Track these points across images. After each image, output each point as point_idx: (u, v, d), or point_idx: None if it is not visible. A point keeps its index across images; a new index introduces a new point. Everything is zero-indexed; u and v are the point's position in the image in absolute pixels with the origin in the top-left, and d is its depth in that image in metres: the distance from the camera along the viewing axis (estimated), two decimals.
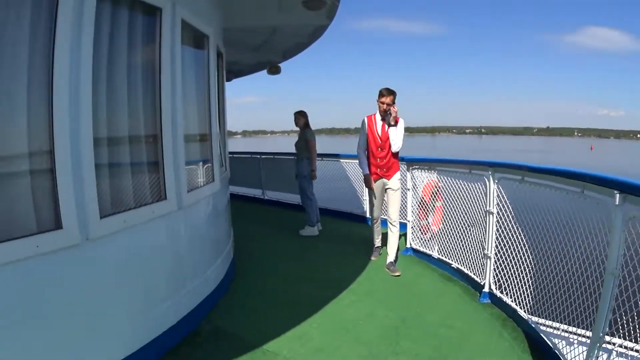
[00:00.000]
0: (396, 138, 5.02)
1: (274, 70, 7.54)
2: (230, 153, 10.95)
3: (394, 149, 5.07)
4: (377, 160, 5.16)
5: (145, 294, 3.13)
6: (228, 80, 8.96)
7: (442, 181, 5.30)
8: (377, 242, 5.68)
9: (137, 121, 3.12)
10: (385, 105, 4.93)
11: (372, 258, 5.58)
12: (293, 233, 7.02)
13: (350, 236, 6.87)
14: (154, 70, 3.21)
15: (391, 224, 5.23)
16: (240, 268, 5.27)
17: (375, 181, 5.23)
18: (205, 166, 4.37)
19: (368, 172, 5.24)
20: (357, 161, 5.65)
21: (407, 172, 5.94)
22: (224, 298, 4.36)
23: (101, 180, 2.66)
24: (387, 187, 5.21)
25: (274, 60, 7.61)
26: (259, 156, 10.23)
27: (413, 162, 5.90)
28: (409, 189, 5.96)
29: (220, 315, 3.98)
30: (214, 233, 4.46)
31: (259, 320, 3.90)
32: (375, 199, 5.34)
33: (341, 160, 8.17)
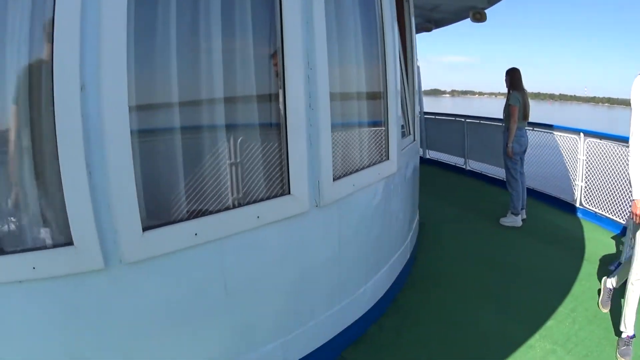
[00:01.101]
0: None
1: (478, 17, 6.33)
2: (433, 114, 10.11)
3: None
4: None
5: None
6: (428, 30, 8.03)
7: None
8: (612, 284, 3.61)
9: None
10: None
11: (602, 308, 3.65)
12: (492, 220, 5.94)
13: (557, 233, 5.60)
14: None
15: (631, 282, 2.96)
16: (415, 267, 4.52)
17: None
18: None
19: None
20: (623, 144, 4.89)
21: None
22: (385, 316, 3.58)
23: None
24: None
25: (476, 4, 6.39)
26: (463, 120, 9.12)
27: None
28: None
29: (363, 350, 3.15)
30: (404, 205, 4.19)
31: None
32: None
33: (555, 133, 6.79)
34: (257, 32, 2.37)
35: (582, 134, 6.19)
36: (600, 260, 4.64)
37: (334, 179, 2.67)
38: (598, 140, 5.92)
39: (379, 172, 3.33)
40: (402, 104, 4.00)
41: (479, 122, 8.70)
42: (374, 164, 3.30)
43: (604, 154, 5.77)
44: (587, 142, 6.09)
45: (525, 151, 5.81)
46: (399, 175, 3.80)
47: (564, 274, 4.31)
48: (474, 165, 8.87)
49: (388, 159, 3.46)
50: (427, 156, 10.36)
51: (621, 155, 5.38)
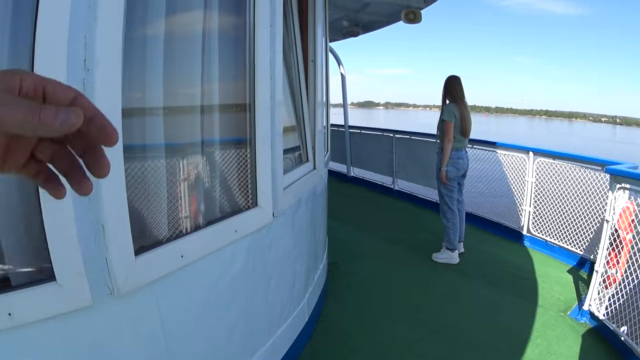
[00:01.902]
0: None
1: (412, 17, 5.27)
2: (359, 128, 9.14)
3: None
4: None
5: None
6: (355, 34, 7.05)
7: None
8: None
9: None
10: None
11: None
12: (423, 255, 4.86)
13: (503, 270, 4.63)
14: None
15: None
16: (319, 331, 3.36)
17: None
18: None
19: None
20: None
21: (610, 194, 3.63)
22: None
23: None
24: None
25: (411, 3, 5.35)
26: (391, 135, 8.10)
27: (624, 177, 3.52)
28: (607, 220, 3.59)
29: None
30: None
31: None
32: None
33: (498, 151, 5.87)
34: None
35: (531, 153, 5.36)
36: (558, 304, 3.85)
37: (136, 252, 1.57)
38: (550, 160, 5.11)
39: (237, 229, 2.11)
40: (299, 123, 3.20)
41: (409, 138, 7.72)
42: (226, 215, 2.12)
43: (555, 174, 5.03)
44: (537, 162, 5.27)
45: (464, 175, 4.89)
46: (283, 222, 2.65)
47: (515, 331, 3.39)
48: (403, 185, 7.87)
49: (257, 205, 2.27)
50: (352, 174, 9.33)
51: (575, 175, 4.74)
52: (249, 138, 2.20)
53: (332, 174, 9.99)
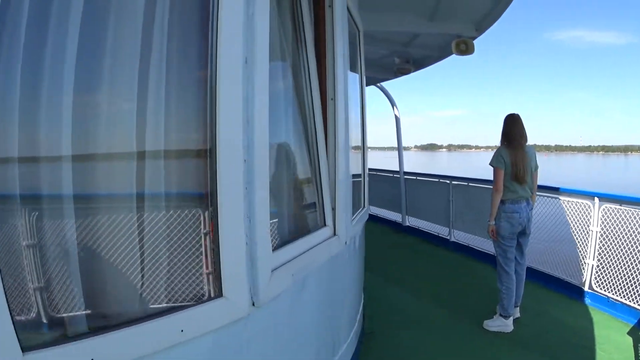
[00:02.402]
0: None
1: (464, 48, 4.79)
2: (414, 174, 8.71)
3: None
4: None
5: None
6: (406, 72, 6.70)
7: None
8: None
9: None
10: None
11: None
12: (475, 321, 4.27)
13: (561, 336, 4.02)
14: None
15: None
16: None
17: None
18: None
19: None
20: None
21: None
22: None
23: None
24: None
25: (462, 32, 4.88)
26: (448, 181, 7.55)
27: None
28: None
29: None
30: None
31: None
32: None
33: (561, 198, 5.25)
34: None
35: (596, 199, 4.76)
36: None
37: None
38: (617, 206, 4.52)
39: (184, 328, 1.41)
40: (314, 175, 2.60)
41: (467, 184, 7.13)
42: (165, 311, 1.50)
43: (624, 221, 4.43)
44: (604, 209, 4.65)
45: (524, 232, 4.21)
46: (272, 313, 1.87)
47: None
48: (460, 237, 7.23)
49: (221, 295, 1.56)
50: (407, 223, 8.78)
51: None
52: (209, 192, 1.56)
53: (386, 222, 9.50)
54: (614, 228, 4.49)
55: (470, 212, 6.85)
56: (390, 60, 6.44)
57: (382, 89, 8.62)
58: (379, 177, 10.16)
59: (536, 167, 4.20)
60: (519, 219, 4.06)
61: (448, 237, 7.42)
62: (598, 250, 4.68)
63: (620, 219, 4.44)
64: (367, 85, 8.25)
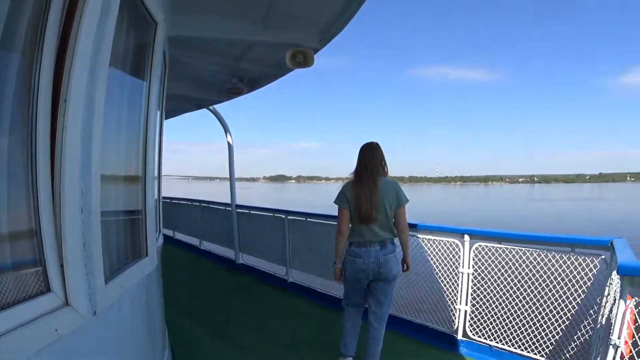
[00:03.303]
0: None
1: (301, 59, 4.01)
2: (248, 208, 7.81)
3: None
4: None
5: None
6: (239, 93, 5.74)
7: None
8: None
9: None
10: None
11: None
12: None
13: None
14: None
15: None
16: None
17: None
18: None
19: None
20: None
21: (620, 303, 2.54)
22: None
23: None
24: None
25: (302, 42, 4.14)
26: (283, 216, 6.75)
27: None
28: (615, 345, 2.46)
29: None
30: None
31: None
32: None
33: (419, 236, 4.66)
34: None
35: (467, 237, 4.21)
36: None
37: None
38: (486, 244, 4.08)
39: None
40: None
41: (304, 220, 6.38)
42: None
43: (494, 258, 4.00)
44: (477, 248, 4.14)
45: (380, 278, 3.56)
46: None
47: None
48: (299, 277, 6.43)
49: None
50: (241, 261, 7.85)
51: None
52: None
53: (218, 259, 8.45)
54: (489, 267, 4.03)
55: (309, 250, 6.10)
56: (220, 78, 5.48)
57: (215, 113, 7.60)
58: (211, 210, 9.13)
59: (399, 204, 3.56)
60: (361, 264, 3.50)
61: (286, 278, 6.56)
62: (472, 294, 4.15)
63: (496, 257, 3.98)
64: (199, 107, 7.14)
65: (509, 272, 3.89)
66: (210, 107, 7.32)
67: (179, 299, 5.53)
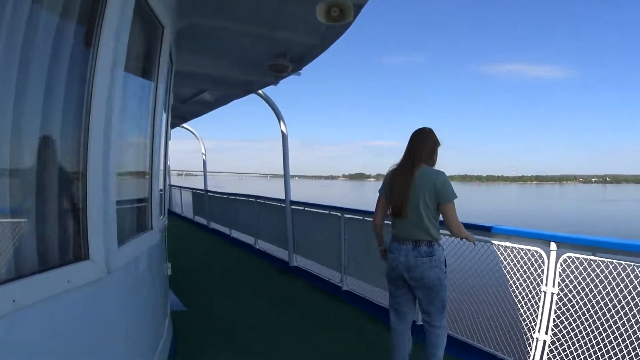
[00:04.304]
0: None
1: (336, 13, 3.14)
2: (302, 204, 7.17)
3: None
4: None
5: None
6: (285, 71, 5.06)
7: None
8: None
9: None
10: None
11: None
12: None
13: None
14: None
15: None
16: None
17: None
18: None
19: None
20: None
21: None
22: None
23: None
24: None
25: None
26: (339, 214, 6.07)
27: None
28: None
29: None
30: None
31: None
32: None
33: (493, 242, 3.74)
34: None
35: (553, 245, 3.31)
36: None
37: None
38: (578, 255, 3.16)
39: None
40: None
41: (362, 219, 5.65)
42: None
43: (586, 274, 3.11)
44: (565, 260, 3.25)
45: (403, 278, 3.08)
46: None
47: None
48: (354, 286, 5.74)
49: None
50: (295, 263, 7.27)
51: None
52: None
53: (271, 259, 7.95)
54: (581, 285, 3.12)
55: (368, 254, 5.29)
56: (258, 52, 4.81)
57: (265, 98, 6.97)
58: (265, 206, 8.65)
59: (441, 200, 2.96)
60: (392, 261, 3.11)
61: (340, 285, 5.87)
62: (555, 319, 3.25)
63: (589, 273, 3.07)
64: (248, 92, 6.63)
65: (611, 294, 2.99)
66: (260, 91, 6.74)
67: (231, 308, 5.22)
